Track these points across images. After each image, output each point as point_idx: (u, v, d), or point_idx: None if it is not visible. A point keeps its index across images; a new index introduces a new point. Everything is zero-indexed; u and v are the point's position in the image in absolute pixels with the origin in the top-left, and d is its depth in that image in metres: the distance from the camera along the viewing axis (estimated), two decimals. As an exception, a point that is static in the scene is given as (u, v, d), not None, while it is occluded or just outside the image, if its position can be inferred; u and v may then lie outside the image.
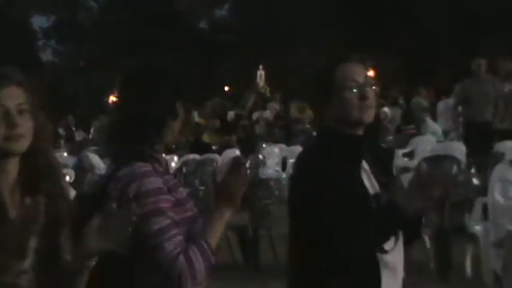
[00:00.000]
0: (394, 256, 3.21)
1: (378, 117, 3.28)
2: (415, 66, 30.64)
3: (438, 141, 13.53)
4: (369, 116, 3.20)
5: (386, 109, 19.03)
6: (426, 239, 8.43)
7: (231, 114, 21.39)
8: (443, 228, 8.36)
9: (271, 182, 10.92)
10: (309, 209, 3.13)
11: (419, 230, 3.36)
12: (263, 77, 26.67)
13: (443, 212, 8.52)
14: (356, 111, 3.18)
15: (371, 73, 3.32)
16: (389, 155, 3.46)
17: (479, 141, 11.36)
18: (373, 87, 3.23)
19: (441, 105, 16.60)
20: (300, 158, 3.30)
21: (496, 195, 3.19)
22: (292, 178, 3.33)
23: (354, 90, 3.18)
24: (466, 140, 12.09)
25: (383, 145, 3.61)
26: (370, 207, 3.13)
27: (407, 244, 3.31)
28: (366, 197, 3.17)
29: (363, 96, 3.18)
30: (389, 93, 20.12)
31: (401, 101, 18.90)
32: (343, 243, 3.07)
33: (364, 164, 3.24)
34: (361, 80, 3.20)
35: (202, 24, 42.84)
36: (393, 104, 18.71)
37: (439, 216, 8.67)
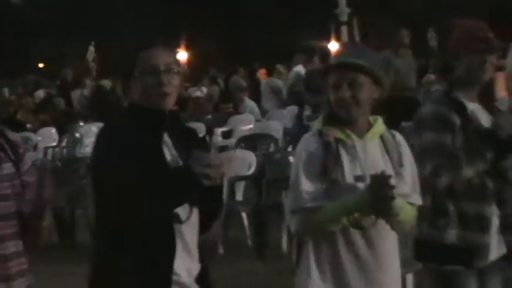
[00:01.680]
0: (190, 232, 3.24)
1: (184, 99, 3.32)
2: (233, 46, 31.02)
3: (257, 120, 13.72)
4: (165, 103, 3.22)
5: (204, 88, 19.09)
6: (244, 216, 8.55)
7: (39, 93, 20.70)
8: (260, 205, 8.51)
9: (88, 161, 10.71)
10: (105, 180, 3.13)
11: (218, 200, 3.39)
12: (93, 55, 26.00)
13: (260, 189, 8.67)
14: (152, 98, 3.21)
15: (179, 57, 3.31)
16: (193, 133, 3.50)
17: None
18: (176, 73, 3.24)
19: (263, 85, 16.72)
20: (99, 132, 3.29)
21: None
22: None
23: (151, 77, 3.20)
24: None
25: (187, 125, 3.67)
26: (164, 172, 3.15)
27: (208, 221, 3.36)
28: (162, 163, 3.19)
29: (159, 83, 3.19)
30: (208, 72, 20.22)
31: (220, 80, 19.05)
32: (137, 208, 3.08)
33: (166, 138, 3.26)
34: (161, 66, 3.21)
35: (15, -1, 41.38)
36: (212, 82, 18.82)
37: (257, 193, 8.82)
